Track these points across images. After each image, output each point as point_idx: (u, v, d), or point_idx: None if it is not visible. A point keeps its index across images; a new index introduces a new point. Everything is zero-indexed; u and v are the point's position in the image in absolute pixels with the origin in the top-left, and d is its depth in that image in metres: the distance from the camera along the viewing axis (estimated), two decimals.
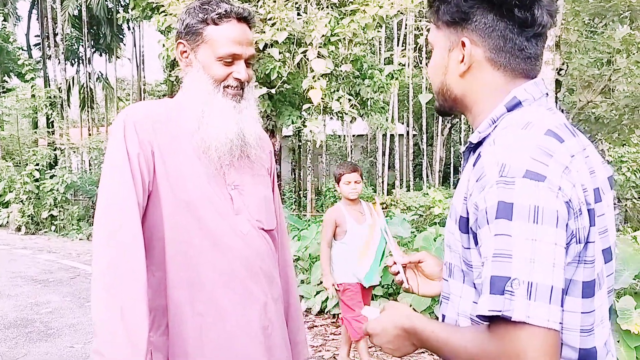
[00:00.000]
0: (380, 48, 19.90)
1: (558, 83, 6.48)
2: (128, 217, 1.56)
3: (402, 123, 22.47)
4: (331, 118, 14.50)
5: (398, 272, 1.54)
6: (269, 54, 7.87)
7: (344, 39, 7.88)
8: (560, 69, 7.30)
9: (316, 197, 18.10)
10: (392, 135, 20.80)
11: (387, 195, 18.63)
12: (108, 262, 1.53)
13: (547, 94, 1.24)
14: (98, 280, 1.52)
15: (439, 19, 1.26)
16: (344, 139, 22.93)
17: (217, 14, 1.69)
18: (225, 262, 1.68)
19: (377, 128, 16.95)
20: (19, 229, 13.90)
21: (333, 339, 5.15)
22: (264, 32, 7.16)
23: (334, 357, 4.74)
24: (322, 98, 7.87)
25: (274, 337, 1.76)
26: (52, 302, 6.74)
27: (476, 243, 1.12)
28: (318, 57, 6.96)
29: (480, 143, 1.21)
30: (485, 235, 1.05)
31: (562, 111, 12.06)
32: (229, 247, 1.70)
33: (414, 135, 23.54)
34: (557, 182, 1.03)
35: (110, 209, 1.57)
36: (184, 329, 1.64)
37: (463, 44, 1.21)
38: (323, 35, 7.57)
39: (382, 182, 20.41)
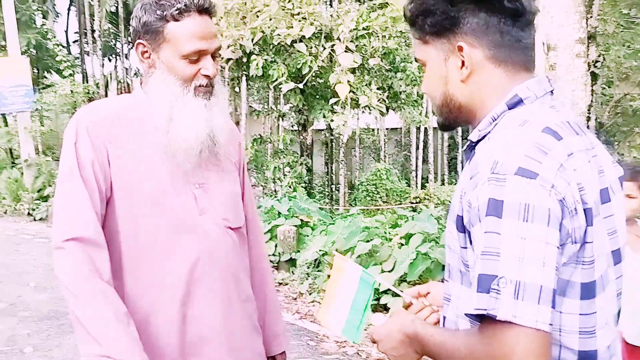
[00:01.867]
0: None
1: (594, 76, 6.30)
2: (86, 228, 1.53)
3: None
4: (363, 112, 14.45)
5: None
6: (297, 49, 7.87)
7: (374, 32, 7.82)
8: (597, 61, 7.09)
9: (349, 191, 18.07)
10: (426, 129, 20.60)
11: (421, 189, 18.48)
12: (80, 276, 1.50)
13: (551, 91, 1.21)
14: (77, 299, 1.50)
15: (425, 33, 1.23)
16: (378, 133, 22.80)
17: (176, 10, 1.56)
18: (186, 266, 1.63)
19: (411, 121, 16.82)
20: None
21: None
22: (292, 26, 7.16)
23: (358, 354, 4.72)
24: (352, 92, 7.84)
25: (239, 339, 1.73)
26: None
27: (470, 242, 1.11)
28: (346, 51, 6.91)
29: (480, 141, 1.19)
30: (476, 233, 1.04)
31: (601, 104, 11.74)
32: (192, 250, 1.64)
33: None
34: (551, 179, 1.01)
35: (66, 224, 1.54)
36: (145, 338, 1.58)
37: (460, 49, 1.18)
38: (354, 29, 7.53)
39: (416, 175, 20.25)
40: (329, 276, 6.28)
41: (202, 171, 1.69)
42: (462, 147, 22.97)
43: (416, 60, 1.31)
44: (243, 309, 1.78)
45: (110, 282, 1.55)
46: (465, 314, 1.04)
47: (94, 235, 1.54)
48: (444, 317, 1.29)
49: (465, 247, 1.14)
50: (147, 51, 1.63)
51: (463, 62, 1.19)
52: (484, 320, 1.00)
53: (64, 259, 1.52)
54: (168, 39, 1.59)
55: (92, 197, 1.55)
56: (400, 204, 15.83)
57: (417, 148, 20.70)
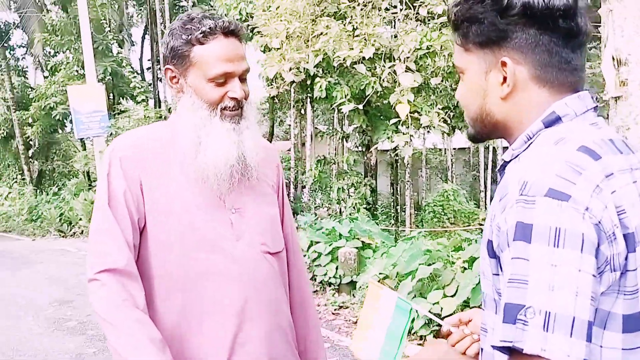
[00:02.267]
0: None
1: None
2: (118, 260, 1.53)
3: None
4: (429, 131, 14.27)
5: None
6: (358, 70, 7.87)
7: (436, 52, 7.72)
8: None
9: (416, 212, 17.80)
10: (494, 148, 20.11)
11: None
12: (114, 305, 1.51)
13: (595, 107, 1.12)
14: (113, 328, 1.50)
15: (468, 41, 1.15)
16: (445, 153, 22.44)
17: (201, 33, 1.56)
18: (223, 294, 1.60)
19: None
20: None
21: None
22: (353, 48, 7.16)
23: None
24: (416, 112, 7.75)
25: None
26: None
27: (501, 268, 1.03)
28: (406, 71, 6.84)
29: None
30: (505, 259, 0.98)
31: None
32: (228, 277, 1.61)
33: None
34: (585, 201, 0.93)
35: (99, 256, 1.55)
36: None
37: (503, 64, 1.10)
38: (416, 49, 7.46)
39: (485, 196, 19.75)
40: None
41: (237, 195, 1.66)
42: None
43: (453, 66, 1.25)
44: (284, 336, 1.74)
45: (145, 310, 1.54)
46: (492, 346, 0.97)
47: (125, 266, 1.54)
48: (482, 349, 1.21)
49: (497, 274, 1.07)
50: (175, 76, 1.64)
51: (505, 78, 1.11)
52: (512, 353, 0.93)
53: (98, 290, 1.53)
54: (194, 62, 1.58)
55: (123, 228, 1.56)
56: (469, 225, 15.46)
57: (486, 168, 20.21)
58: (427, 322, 5.16)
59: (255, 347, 1.64)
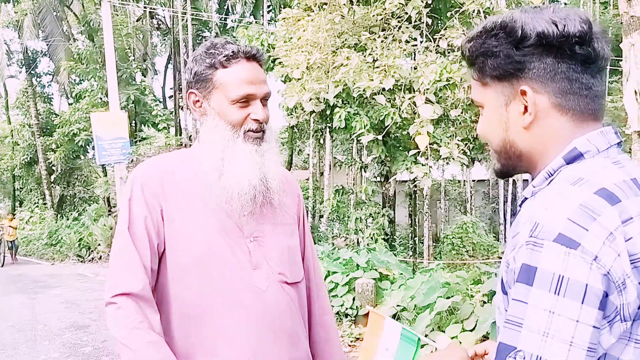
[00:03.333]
0: None
1: None
2: (135, 285, 1.54)
3: None
4: (448, 163, 14.21)
5: None
6: (378, 101, 7.91)
7: (455, 83, 7.74)
8: None
9: (434, 244, 17.65)
10: (514, 181, 19.97)
11: None
12: (131, 328, 1.50)
13: (618, 143, 1.09)
14: (129, 350, 1.49)
15: (485, 76, 1.14)
16: (464, 184, 22.33)
17: (224, 57, 1.60)
18: (238, 323, 1.58)
19: None
20: None
21: None
22: (372, 79, 7.21)
23: None
24: (435, 143, 7.74)
25: None
26: None
27: None
28: (426, 102, 6.85)
29: None
30: (510, 298, 0.98)
31: None
32: (244, 306, 1.59)
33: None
34: (594, 250, 0.90)
35: (116, 280, 1.56)
36: None
37: (523, 93, 1.08)
38: (436, 81, 7.48)
39: (504, 229, 19.54)
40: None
41: (256, 224, 1.66)
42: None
43: (472, 101, 1.23)
44: None
45: (161, 333, 1.54)
46: None
47: (141, 290, 1.54)
48: None
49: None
50: (198, 100, 1.66)
51: (526, 108, 1.09)
52: None
53: (114, 313, 1.53)
54: (217, 85, 1.61)
55: (142, 253, 1.57)
56: (487, 258, 15.28)
57: (505, 201, 20.03)
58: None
59: None
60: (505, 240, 18.45)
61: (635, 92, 4.95)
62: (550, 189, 1.02)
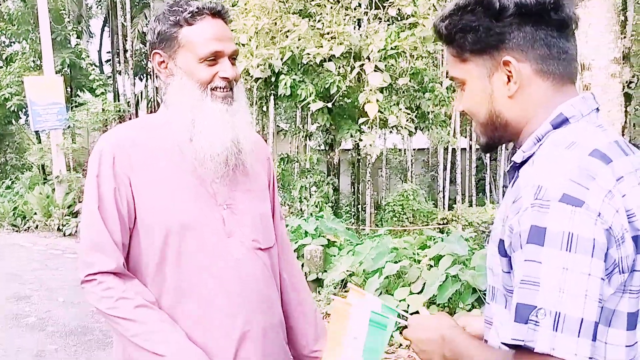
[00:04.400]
0: (442, 61, 19.65)
1: (628, 97, 6.20)
2: (109, 262, 1.54)
3: (465, 137, 22.06)
4: (390, 132, 14.40)
5: None
6: (327, 68, 7.89)
7: (403, 52, 7.81)
8: (631, 82, 6.98)
9: (375, 212, 17.95)
10: (454, 149, 20.45)
11: (449, 210, 18.30)
12: (115, 301, 1.52)
13: (597, 109, 1.15)
14: (127, 322, 1.51)
15: (465, 51, 1.18)
16: (405, 153, 22.70)
17: (189, 13, 1.56)
18: (215, 292, 1.59)
19: (438, 142, 16.73)
20: None
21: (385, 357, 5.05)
22: (322, 46, 7.19)
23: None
24: (380, 112, 7.82)
25: None
26: None
27: (512, 267, 1.08)
28: (375, 71, 6.90)
29: (524, 162, 1.15)
30: (517, 260, 1.02)
31: (634, 126, 11.54)
32: (219, 275, 1.60)
33: (477, 149, 23.07)
34: (597, 207, 0.96)
35: (89, 258, 1.56)
36: None
37: (506, 63, 1.13)
38: (383, 49, 7.53)
39: (444, 197, 20.06)
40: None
41: (229, 191, 1.65)
42: (494, 168, 22.58)
43: (452, 79, 1.25)
44: (277, 334, 1.73)
45: (147, 299, 1.55)
46: (502, 343, 1.02)
47: (116, 269, 1.54)
48: (486, 341, 1.25)
49: (508, 272, 1.11)
50: (163, 60, 1.62)
51: (509, 78, 1.14)
52: (519, 349, 0.99)
53: (95, 289, 1.54)
54: (183, 44, 1.57)
55: (112, 230, 1.55)
56: (427, 225, 15.68)
57: (445, 169, 20.53)
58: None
59: (250, 346, 1.63)
60: (445, 207, 18.98)
61: (578, 63, 5.15)
62: (547, 154, 1.06)
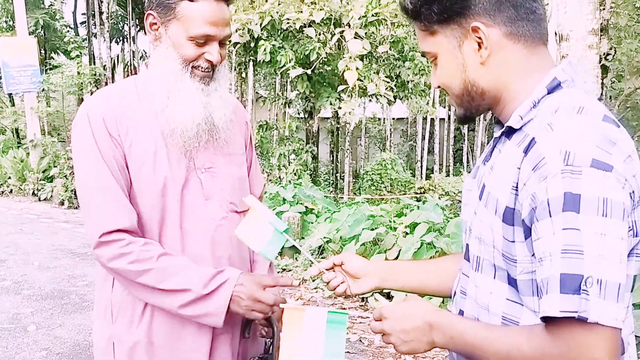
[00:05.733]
0: None
1: (605, 69, 6.25)
2: (128, 220, 1.55)
3: (444, 107, 22.13)
4: (370, 100, 14.39)
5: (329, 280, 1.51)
6: (307, 34, 7.83)
7: (384, 20, 7.76)
8: (608, 54, 7.03)
9: (354, 180, 18.05)
10: (432, 119, 20.54)
11: (426, 179, 18.45)
12: (137, 257, 1.53)
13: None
14: (155, 275, 1.53)
15: (431, 23, 1.16)
16: (384, 122, 22.74)
17: None
18: (192, 252, 1.61)
19: (417, 111, 16.77)
20: (62, 203, 14.26)
21: (360, 322, 5.14)
22: (302, 11, 7.11)
23: (360, 340, 4.73)
24: (359, 80, 7.80)
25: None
26: (89, 275, 6.90)
27: (526, 237, 1.05)
28: (355, 38, 6.86)
29: (516, 129, 1.12)
30: (546, 229, 0.98)
31: (610, 98, 11.67)
32: (197, 236, 1.62)
33: (455, 120, 23.17)
34: (622, 172, 0.96)
35: (106, 217, 1.55)
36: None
37: (475, 30, 1.12)
38: (363, 16, 7.48)
39: (421, 166, 20.21)
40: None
41: (207, 155, 1.67)
42: (471, 138, 22.65)
43: (423, 54, 1.23)
44: None
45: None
46: (542, 318, 0.98)
47: (131, 227, 1.55)
48: (461, 311, 1.24)
49: (514, 241, 1.07)
50: (155, 23, 1.60)
51: (479, 44, 1.13)
52: (556, 321, 0.96)
53: (110, 250, 1.53)
54: (179, 16, 1.55)
55: (122, 187, 1.56)
56: (405, 194, 15.81)
57: (423, 139, 20.64)
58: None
59: None
60: (423, 177, 19.12)
61: (555, 33, 5.18)
62: (560, 119, 1.03)
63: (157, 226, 1.60)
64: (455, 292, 1.31)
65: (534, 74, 1.13)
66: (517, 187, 1.05)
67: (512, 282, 1.11)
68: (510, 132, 1.14)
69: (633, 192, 0.98)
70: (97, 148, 1.55)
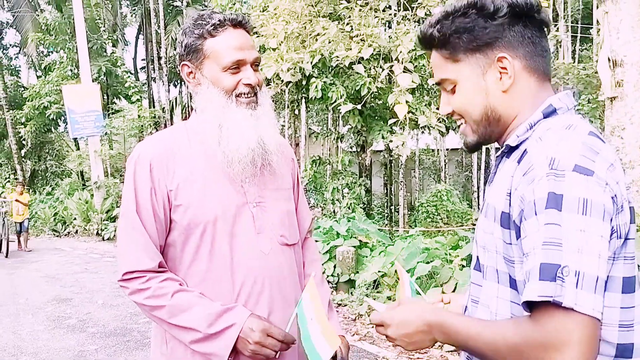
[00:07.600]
0: None
1: None
2: (148, 262, 1.64)
3: None
4: (422, 132, 14.34)
5: None
6: (356, 70, 7.93)
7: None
8: None
9: (409, 212, 17.90)
10: (487, 149, 20.26)
11: None
12: (153, 293, 1.61)
13: (575, 105, 1.27)
14: (163, 310, 1.61)
15: (458, 52, 1.26)
16: (438, 153, 22.58)
17: (212, 26, 1.66)
18: (239, 281, 1.68)
19: None
20: None
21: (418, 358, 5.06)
22: (351, 48, 7.23)
23: None
24: (410, 112, 7.82)
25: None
26: None
27: (517, 237, 1.13)
28: (404, 72, 6.91)
29: (515, 148, 1.23)
30: (532, 226, 1.07)
31: None
32: (247, 269, 1.68)
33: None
34: (604, 177, 1.06)
35: (129, 259, 1.64)
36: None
37: (500, 59, 1.23)
38: (412, 50, 7.54)
39: (478, 197, 19.88)
40: (388, 297, 6.16)
41: (258, 189, 1.75)
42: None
43: (440, 82, 1.32)
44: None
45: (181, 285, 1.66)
46: (523, 303, 1.06)
47: (154, 267, 1.64)
48: None
49: (510, 244, 1.16)
50: (191, 71, 1.73)
51: (501, 74, 1.23)
52: (537, 308, 1.03)
53: (131, 284, 1.63)
54: (208, 54, 1.68)
55: (151, 232, 1.65)
56: (462, 225, 15.56)
57: (479, 169, 20.35)
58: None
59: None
60: (479, 208, 18.78)
61: (609, 59, 5.09)
62: (550, 134, 1.15)
63: (208, 258, 1.67)
64: (466, 307, 1.37)
65: (540, 105, 1.24)
66: (510, 193, 1.15)
67: (513, 284, 1.19)
68: (509, 151, 1.25)
69: (615, 195, 1.07)
70: (134, 193, 1.66)
